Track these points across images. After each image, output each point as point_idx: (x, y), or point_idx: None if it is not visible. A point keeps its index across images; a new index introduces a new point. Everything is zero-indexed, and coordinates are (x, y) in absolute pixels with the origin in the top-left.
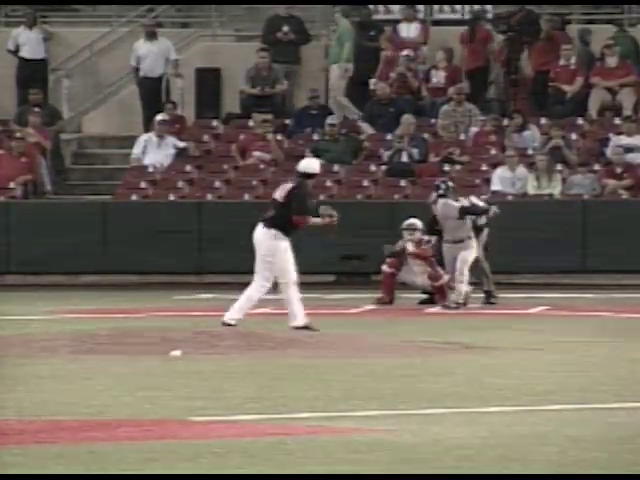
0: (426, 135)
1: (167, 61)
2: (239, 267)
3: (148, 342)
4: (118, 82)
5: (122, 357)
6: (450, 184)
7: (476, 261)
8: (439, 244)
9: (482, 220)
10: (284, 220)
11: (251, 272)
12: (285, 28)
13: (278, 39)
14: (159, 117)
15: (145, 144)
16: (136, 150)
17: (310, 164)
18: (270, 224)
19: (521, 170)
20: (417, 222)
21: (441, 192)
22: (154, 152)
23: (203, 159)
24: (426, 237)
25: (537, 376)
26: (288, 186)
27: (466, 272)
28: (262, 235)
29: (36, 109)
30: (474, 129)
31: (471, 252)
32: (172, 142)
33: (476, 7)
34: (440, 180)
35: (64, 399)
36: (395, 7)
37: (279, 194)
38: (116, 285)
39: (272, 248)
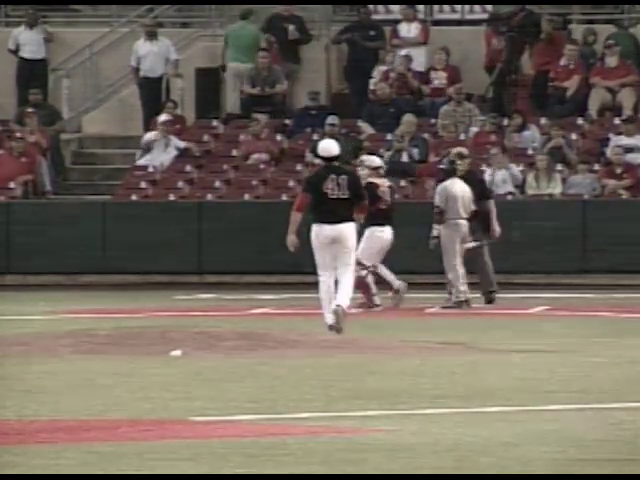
0: (426, 135)
1: (167, 61)
2: (239, 267)
3: (148, 342)
4: (118, 82)
5: (122, 357)
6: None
7: (482, 260)
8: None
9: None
10: (352, 212)
11: (251, 272)
12: (291, 27)
13: (279, 39)
14: (163, 117)
15: (152, 139)
16: (143, 143)
17: (327, 147)
18: (350, 219)
19: (512, 167)
20: (376, 160)
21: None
22: (158, 152)
23: (203, 159)
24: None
25: (537, 376)
26: (343, 181)
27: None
28: (349, 230)
29: (35, 109)
30: (474, 129)
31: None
32: (173, 142)
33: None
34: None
35: (64, 399)
36: (395, 7)
37: (341, 192)
38: (116, 285)
39: (355, 239)
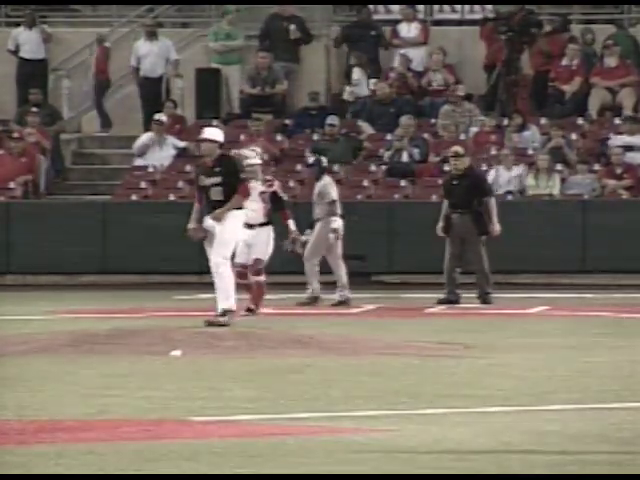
0: (426, 135)
1: (167, 61)
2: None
3: (148, 342)
4: (118, 82)
5: (122, 357)
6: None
7: (479, 259)
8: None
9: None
10: None
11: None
12: (292, 27)
13: (279, 38)
14: (156, 117)
15: (146, 143)
16: (135, 149)
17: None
18: None
19: (518, 169)
20: (253, 157)
21: (324, 165)
22: (155, 152)
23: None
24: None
25: (537, 376)
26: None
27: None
28: None
29: (36, 109)
30: (474, 129)
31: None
32: (172, 142)
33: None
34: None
35: (64, 399)
36: (395, 7)
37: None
38: (116, 285)
39: None
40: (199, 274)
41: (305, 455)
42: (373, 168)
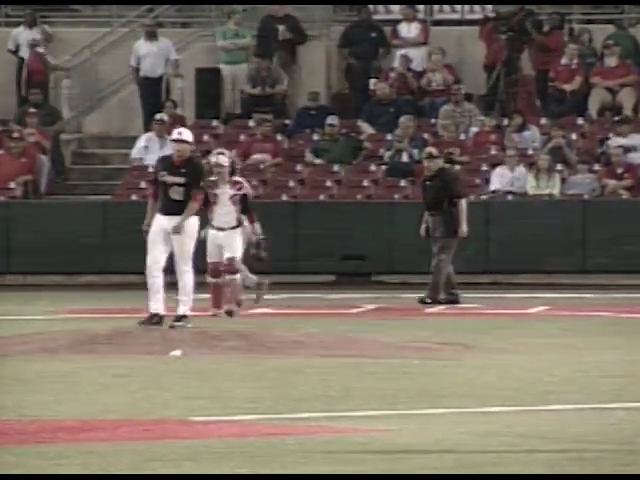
0: (426, 135)
1: (167, 61)
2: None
3: (148, 342)
4: (118, 82)
5: (122, 357)
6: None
7: (441, 264)
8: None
9: None
10: None
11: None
12: (281, 27)
13: (272, 40)
14: (157, 117)
15: (146, 144)
16: (136, 149)
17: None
18: None
19: (520, 169)
20: (223, 159)
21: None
22: (156, 152)
23: (203, 159)
24: (239, 178)
25: (537, 376)
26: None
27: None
28: None
29: (36, 109)
30: (474, 129)
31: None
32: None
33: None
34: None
35: (64, 399)
36: (395, 7)
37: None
38: (116, 285)
39: None
40: (198, 274)
41: (305, 455)
42: (373, 168)
